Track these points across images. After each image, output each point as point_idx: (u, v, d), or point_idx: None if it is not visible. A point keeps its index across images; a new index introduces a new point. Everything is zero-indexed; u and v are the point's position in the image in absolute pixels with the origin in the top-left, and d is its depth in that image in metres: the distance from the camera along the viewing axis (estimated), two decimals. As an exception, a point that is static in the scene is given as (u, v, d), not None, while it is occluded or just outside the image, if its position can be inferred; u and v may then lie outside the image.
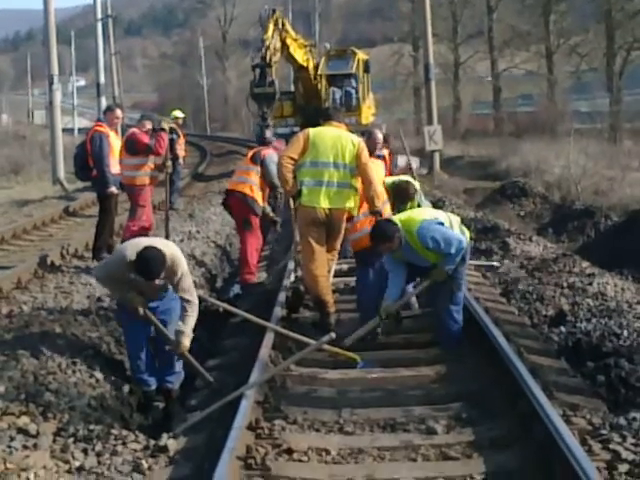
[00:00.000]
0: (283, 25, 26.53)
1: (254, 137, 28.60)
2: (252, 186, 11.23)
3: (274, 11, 26.14)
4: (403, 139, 15.35)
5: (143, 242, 7.25)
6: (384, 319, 8.27)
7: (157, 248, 7.02)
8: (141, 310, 7.26)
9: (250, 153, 11.83)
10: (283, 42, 26.44)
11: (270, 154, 11.33)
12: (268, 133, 16.24)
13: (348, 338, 8.05)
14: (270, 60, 25.20)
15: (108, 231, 12.78)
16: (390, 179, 10.12)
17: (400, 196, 9.79)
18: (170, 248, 7.28)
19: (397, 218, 8.28)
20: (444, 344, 8.28)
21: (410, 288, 8.96)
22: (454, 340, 8.23)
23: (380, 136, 11.97)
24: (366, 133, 11.99)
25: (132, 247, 7.17)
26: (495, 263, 11.49)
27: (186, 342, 7.26)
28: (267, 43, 25.23)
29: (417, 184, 10.49)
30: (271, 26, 25.54)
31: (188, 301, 7.30)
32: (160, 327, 7.35)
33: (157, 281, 7.14)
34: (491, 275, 11.78)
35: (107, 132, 12.30)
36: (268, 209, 11.80)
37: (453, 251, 7.96)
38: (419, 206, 10.15)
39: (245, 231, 11.38)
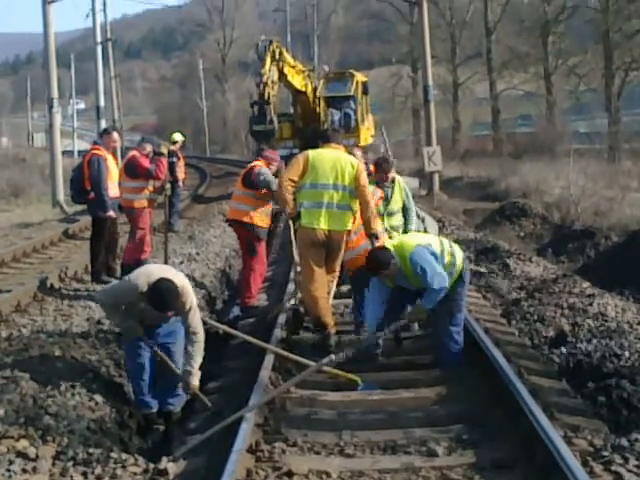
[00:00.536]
0: (280, 54, 26.69)
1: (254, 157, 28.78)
2: (249, 212, 11.03)
3: (271, 42, 26.28)
4: (384, 134, 15.49)
5: (155, 272, 7.22)
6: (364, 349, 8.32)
7: (170, 280, 7.03)
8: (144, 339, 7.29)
9: (241, 175, 11.52)
10: (281, 71, 26.61)
11: (258, 170, 11.10)
12: None
13: (335, 358, 8.12)
14: (268, 97, 25.40)
15: (112, 254, 12.77)
16: None
17: (380, 168, 10.39)
18: (180, 279, 7.27)
19: (390, 244, 8.30)
20: (444, 364, 8.26)
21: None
22: (455, 361, 8.21)
23: (359, 153, 12.08)
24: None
25: (144, 277, 7.16)
26: (482, 269, 11.40)
27: (196, 382, 7.30)
28: (265, 79, 25.41)
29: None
30: (268, 59, 25.73)
31: (195, 337, 7.31)
32: (165, 359, 7.37)
33: (169, 312, 7.16)
34: (492, 296, 11.77)
35: (105, 155, 12.28)
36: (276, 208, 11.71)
37: (436, 287, 7.95)
38: (405, 207, 10.51)
39: (249, 256, 11.27)
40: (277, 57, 26.34)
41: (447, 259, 8.18)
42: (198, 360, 7.31)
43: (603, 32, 44.15)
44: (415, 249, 8.05)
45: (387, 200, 10.46)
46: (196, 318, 7.34)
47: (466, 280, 8.53)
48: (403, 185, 10.73)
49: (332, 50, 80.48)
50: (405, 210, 10.63)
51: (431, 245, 8.20)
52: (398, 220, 10.52)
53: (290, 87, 29.01)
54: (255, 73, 27.43)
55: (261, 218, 11.14)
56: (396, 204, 10.53)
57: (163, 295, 6.93)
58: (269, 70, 25.66)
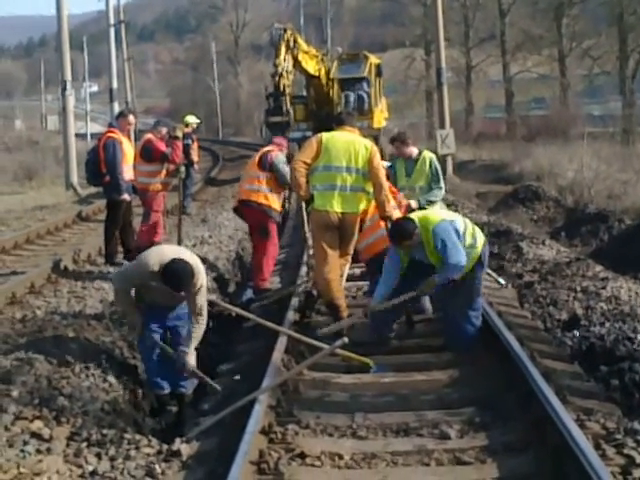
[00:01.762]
0: (295, 42, 26.59)
1: (266, 143, 28.78)
2: (266, 194, 11.01)
3: (285, 30, 26.18)
4: None
5: (168, 253, 7.25)
6: (365, 317, 8.34)
7: (184, 260, 7.06)
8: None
9: (256, 158, 11.54)
10: (295, 58, 26.54)
11: (276, 155, 11.18)
12: None
13: (323, 330, 8.11)
14: (284, 88, 25.38)
15: (129, 236, 12.80)
16: None
17: (393, 144, 10.64)
18: (194, 259, 7.31)
19: (415, 216, 8.28)
20: (455, 347, 8.25)
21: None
22: (469, 344, 8.19)
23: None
24: None
25: (156, 256, 7.18)
26: (502, 281, 11.32)
27: (192, 361, 7.30)
28: (279, 69, 25.36)
29: None
30: (283, 49, 25.63)
31: (199, 318, 7.33)
32: (163, 346, 7.40)
33: (183, 292, 7.17)
34: (504, 279, 11.74)
35: (120, 139, 12.29)
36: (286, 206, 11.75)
37: (452, 262, 7.91)
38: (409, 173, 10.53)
39: (262, 238, 11.22)
40: (292, 45, 26.21)
41: (468, 240, 8.15)
42: (195, 342, 7.33)
43: (617, 15, 43.91)
44: (440, 223, 8.03)
45: (409, 175, 10.50)
46: (203, 299, 7.37)
47: (485, 264, 8.51)
48: (430, 161, 10.68)
49: (345, 32, 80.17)
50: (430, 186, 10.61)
51: (455, 222, 8.18)
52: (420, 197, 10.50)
53: (304, 72, 28.95)
54: (269, 59, 27.39)
55: (275, 200, 11.13)
56: (417, 181, 10.53)
57: (179, 275, 6.94)
58: (284, 60, 25.58)
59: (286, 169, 10.84)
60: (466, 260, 7.99)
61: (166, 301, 7.41)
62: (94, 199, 23.03)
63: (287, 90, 25.77)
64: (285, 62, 25.68)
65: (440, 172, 10.83)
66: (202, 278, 7.28)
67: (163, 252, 7.27)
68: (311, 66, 28.48)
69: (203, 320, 7.36)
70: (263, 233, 11.18)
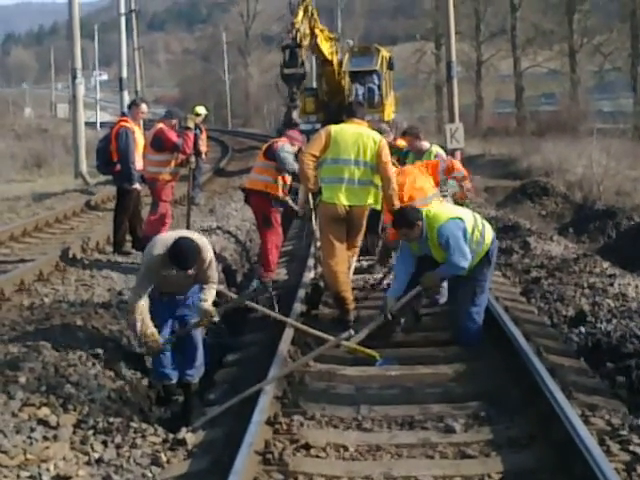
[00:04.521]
0: (312, 14, 26.45)
1: (274, 133, 28.57)
2: (269, 183, 11.23)
3: None
4: None
5: (171, 235, 7.30)
6: (388, 317, 8.22)
7: (188, 238, 7.12)
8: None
9: (263, 148, 11.74)
10: (312, 31, 26.35)
11: (281, 145, 11.25)
12: (295, 114, 16.24)
13: (355, 337, 8.00)
14: (300, 41, 25.10)
15: (138, 225, 12.82)
16: None
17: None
18: (197, 236, 7.36)
19: (424, 210, 8.25)
20: (460, 342, 8.26)
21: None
22: (473, 341, 8.19)
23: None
24: None
25: (161, 242, 7.20)
26: None
27: (209, 307, 7.40)
28: (297, 26, 25.08)
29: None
30: (301, 12, 25.39)
31: (208, 286, 7.45)
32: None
33: (189, 271, 7.18)
34: (511, 274, 11.75)
35: (132, 128, 12.31)
36: (289, 200, 11.80)
37: (454, 261, 7.90)
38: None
39: (265, 228, 11.40)
40: (310, 14, 26.04)
41: (475, 237, 8.13)
42: (210, 299, 7.42)
43: (630, 11, 43.79)
44: (447, 222, 8.00)
45: None
46: (213, 272, 7.48)
47: (492, 261, 8.47)
48: (435, 156, 10.64)
49: (356, 24, 80.00)
50: None
51: (463, 220, 8.13)
52: None
53: (318, 52, 28.68)
54: (279, 51, 27.10)
55: (277, 189, 11.25)
56: None
57: (183, 252, 6.97)
58: (301, 22, 25.27)
59: (289, 156, 10.94)
60: (469, 261, 7.98)
61: (178, 288, 7.43)
62: (103, 188, 23.04)
63: (304, 43, 25.38)
64: (302, 24, 25.42)
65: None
66: (210, 253, 7.36)
67: (166, 237, 7.33)
68: (326, 47, 28.25)
69: (215, 286, 7.52)
70: (265, 222, 11.34)
